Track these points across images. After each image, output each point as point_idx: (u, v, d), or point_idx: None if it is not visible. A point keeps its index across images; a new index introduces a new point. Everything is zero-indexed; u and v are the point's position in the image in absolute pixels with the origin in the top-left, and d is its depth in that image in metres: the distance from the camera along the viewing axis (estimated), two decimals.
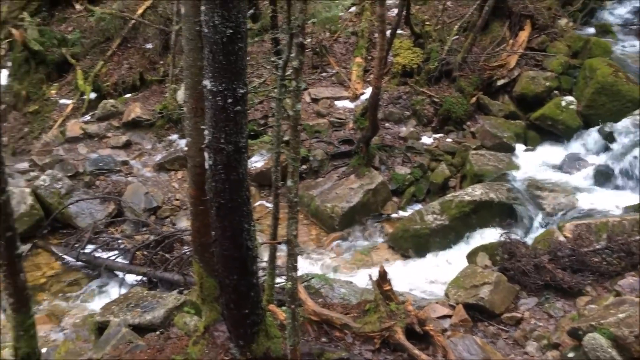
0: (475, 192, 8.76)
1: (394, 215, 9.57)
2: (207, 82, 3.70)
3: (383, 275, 5.30)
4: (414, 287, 7.71)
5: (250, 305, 4.32)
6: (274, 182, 5.30)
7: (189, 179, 5.41)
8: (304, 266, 8.08)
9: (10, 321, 5.09)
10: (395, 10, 11.16)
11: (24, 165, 10.19)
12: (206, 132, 3.89)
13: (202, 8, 3.51)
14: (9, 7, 12.70)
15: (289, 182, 4.26)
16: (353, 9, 13.11)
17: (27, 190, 9.04)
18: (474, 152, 9.89)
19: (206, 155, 3.92)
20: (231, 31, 3.49)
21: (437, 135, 10.68)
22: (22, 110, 11.77)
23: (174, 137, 11.22)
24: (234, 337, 4.48)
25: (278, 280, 6.38)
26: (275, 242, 5.00)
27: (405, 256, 8.61)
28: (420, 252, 8.55)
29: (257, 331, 4.43)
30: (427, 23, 12.19)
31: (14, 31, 11.82)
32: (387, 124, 10.83)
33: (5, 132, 11.11)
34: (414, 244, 8.58)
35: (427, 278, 7.98)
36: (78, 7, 13.07)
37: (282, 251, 7.22)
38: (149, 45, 12.67)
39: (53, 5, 13.03)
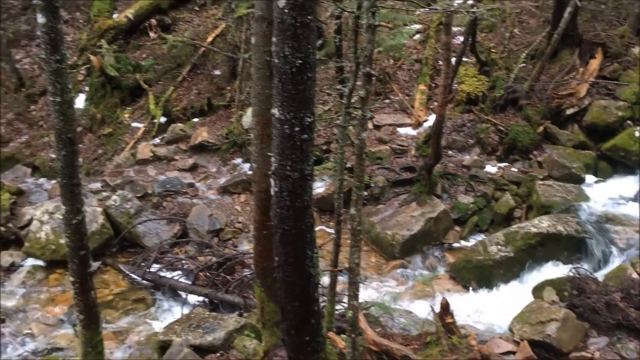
0: (542, 223, 8.49)
1: (456, 244, 9.40)
2: (275, 111, 3.78)
3: (445, 307, 5.19)
4: (476, 320, 7.50)
5: (311, 332, 4.32)
6: (337, 209, 5.33)
7: (254, 204, 5.53)
8: (363, 293, 7.99)
9: (79, 337, 5.30)
10: (461, 38, 11.11)
11: (97, 185, 10.64)
12: (273, 159, 3.96)
13: (274, 39, 3.62)
14: (88, 35, 13.44)
15: (353, 210, 4.28)
16: (417, 36, 13.12)
17: (99, 209, 9.43)
18: (540, 182, 9.63)
19: (272, 182, 3.99)
20: (300, 61, 3.57)
21: (502, 164, 10.46)
22: (97, 133, 12.35)
23: (238, 161, 11.47)
24: None
25: (337, 307, 6.37)
26: (337, 269, 5.00)
27: (467, 287, 8.39)
28: (483, 284, 8.32)
29: (317, 359, 4.41)
30: (493, 50, 12.05)
31: (92, 58, 12.48)
32: (450, 152, 10.70)
33: (81, 154, 11.65)
34: (477, 275, 8.36)
35: (490, 311, 7.75)
36: (152, 35, 13.67)
37: (341, 277, 7.23)
38: (217, 72, 13.09)
39: (129, 34, 13.69)
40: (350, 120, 5.34)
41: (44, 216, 9.22)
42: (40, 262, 9.05)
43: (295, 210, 3.98)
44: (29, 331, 7.93)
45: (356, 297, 4.21)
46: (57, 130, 4.54)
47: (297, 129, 3.76)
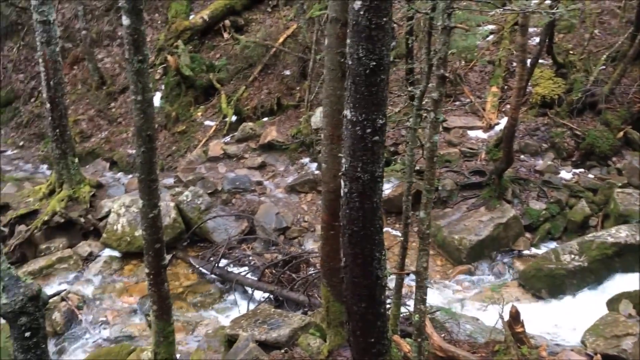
0: (620, 233, 8.11)
1: (526, 252, 9.11)
2: (347, 112, 3.80)
3: (515, 316, 5.05)
4: (546, 331, 7.25)
5: (377, 335, 4.30)
6: (405, 212, 5.29)
7: (322, 204, 5.57)
8: (428, 298, 7.88)
9: (152, 327, 5.52)
10: (537, 39, 10.75)
11: (170, 180, 11.03)
12: (343, 160, 3.98)
13: (348, 41, 3.63)
14: (165, 36, 13.94)
15: (422, 214, 4.24)
16: (491, 37, 12.82)
17: (172, 204, 9.76)
18: (619, 190, 9.18)
19: (342, 182, 4.01)
20: (374, 63, 3.56)
21: (578, 170, 10.06)
22: (171, 130, 12.80)
23: (306, 160, 11.59)
24: None
25: (402, 310, 6.32)
26: (404, 272, 4.97)
27: (537, 296, 8.13)
28: (554, 294, 8.04)
29: None
30: (571, 52, 11.60)
31: (169, 57, 12.94)
32: (522, 156, 10.39)
33: (156, 150, 12.12)
34: (548, 284, 8.08)
35: (561, 322, 7.47)
36: (226, 35, 14.03)
37: (406, 281, 7.16)
38: (287, 72, 13.27)
39: (204, 34, 14.10)
40: (420, 122, 5.29)
41: (120, 209, 9.64)
42: (116, 253, 9.49)
43: (365, 211, 3.98)
44: (104, 319, 8.33)
45: (423, 301, 4.17)
46: (137, 128, 4.74)
47: (368, 130, 3.76)
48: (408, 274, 4.78)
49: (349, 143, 3.87)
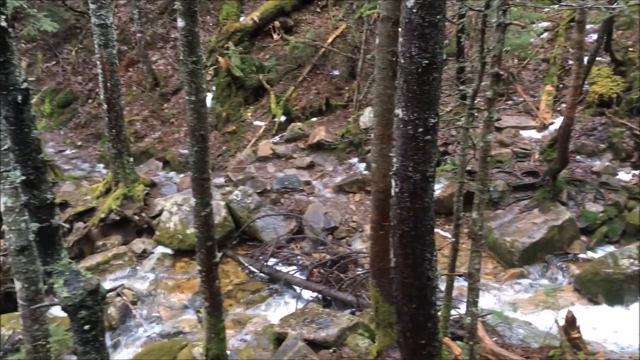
0: None
1: (582, 255, 8.83)
2: (399, 111, 3.76)
3: (571, 321, 4.90)
4: (603, 337, 7.01)
5: (427, 336, 4.25)
6: (456, 212, 5.21)
7: (372, 204, 5.55)
8: (479, 301, 7.78)
9: (204, 323, 5.61)
10: (594, 36, 10.42)
11: (220, 180, 11.21)
12: (394, 159, 3.95)
13: (400, 39, 3.60)
14: (217, 37, 14.17)
15: (474, 214, 4.16)
16: (545, 34, 12.49)
17: (222, 203, 9.92)
18: None
19: (393, 182, 3.97)
20: (427, 62, 3.52)
21: (637, 172, 9.67)
22: (222, 131, 13.00)
23: (354, 160, 11.57)
24: None
25: (452, 313, 6.23)
26: (455, 274, 4.89)
27: (594, 302, 7.87)
28: (611, 299, 7.76)
29: None
30: (630, 49, 11.17)
31: (220, 59, 13.15)
32: (578, 157, 10.08)
33: (209, 150, 12.36)
34: (605, 289, 7.81)
35: (619, 328, 7.21)
36: (275, 36, 14.16)
37: (456, 283, 7.04)
38: (336, 72, 13.29)
39: (254, 35, 14.28)
40: (472, 121, 5.20)
41: (173, 207, 9.86)
42: (168, 250, 9.71)
43: (416, 211, 3.93)
44: (157, 314, 8.53)
45: (475, 303, 4.09)
46: (191, 127, 4.83)
47: (420, 129, 3.72)
48: (460, 276, 4.70)
49: (400, 142, 3.83)
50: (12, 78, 2.92)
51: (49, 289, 3.64)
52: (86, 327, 3.38)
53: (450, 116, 9.95)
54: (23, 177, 3.08)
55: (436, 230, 9.96)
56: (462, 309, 7.38)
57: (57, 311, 8.07)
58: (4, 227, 5.03)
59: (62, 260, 3.40)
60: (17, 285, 5.04)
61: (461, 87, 6.81)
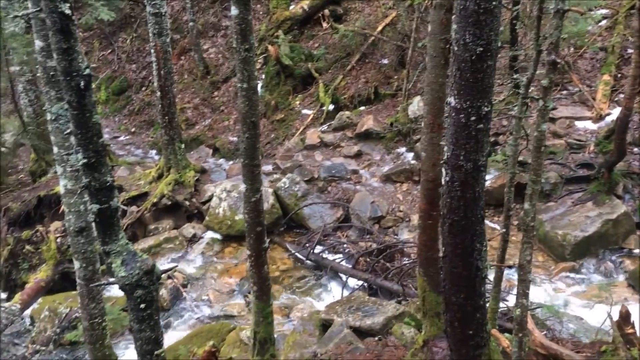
0: None
1: (637, 250, 8.55)
2: (451, 99, 3.72)
3: (626, 316, 4.77)
4: None
5: (475, 327, 4.21)
6: (507, 203, 5.13)
7: (421, 193, 5.51)
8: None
9: (252, 307, 5.72)
10: None
11: (269, 167, 11.34)
12: (445, 148, 3.91)
13: (454, 26, 3.56)
14: (267, 26, 14.28)
15: (527, 205, 4.09)
16: (604, 22, 12.05)
17: (270, 190, 10.04)
18: None
19: (443, 171, 3.94)
20: (481, 49, 3.47)
21: None
22: (270, 118, 13.13)
23: (402, 150, 11.49)
24: (455, 356, 4.41)
25: (500, 305, 6.15)
26: (505, 265, 4.82)
27: None
28: None
29: (479, 354, 4.31)
30: None
31: (270, 47, 13.26)
32: (635, 149, 9.70)
33: (259, 137, 12.53)
34: None
35: None
36: (325, 25, 14.16)
37: (505, 275, 6.94)
38: (385, 61, 13.19)
39: (303, 24, 14.32)
40: (526, 111, 5.09)
41: (222, 194, 10.05)
42: (217, 236, 9.91)
43: (466, 201, 3.90)
44: (206, 297, 8.74)
45: (526, 295, 4.03)
46: (243, 115, 4.91)
47: (473, 118, 3.67)
48: (510, 267, 4.63)
49: (451, 131, 3.79)
50: (75, 64, 3.04)
51: (106, 269, 3.79)
52: (142, 305, 3.50)
53: (502, 106, 9.78)
54: (84, 160, 3.20)
55: (485, 221, 9.86)
56: (510, 301, 7.29)
57: (112, 291, 8.40)
58: (64, 208, 5.25)
59: (120, 241, 3.54)
60: (76, 264, 5.26)
61: (515, 76, 6.67)
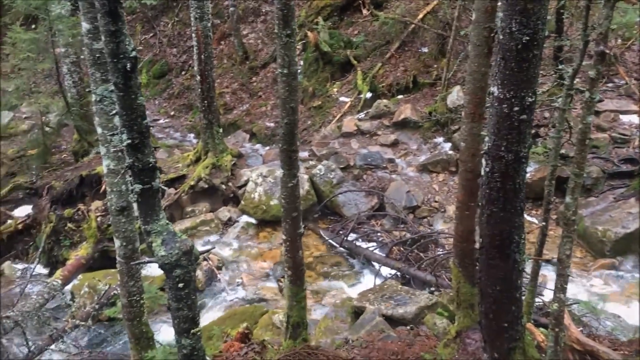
0: None
1: None
2: (494, 89, 3.67)
3: None
4: None
5: (510, 319, 4.18)
6: (547, 197, 5.04)
7: (459, 183, 5.46)
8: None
9: (286, 291, 5.77)
10: None
11: (305, 154, 11.37)
12: (486, 138, 3.87)
13: (499, 14, 3.50)
14: (306, 12, 14.25)
15: (568, 199, 4.02)
16: None
17: (306, 176, 10.08)
18: None
19: (483, 161, 3.90)
20: (527, 38, 3.40)
21: None
22: (307, 105, 13.13)
23: (440, 140, 11.36)
24: (488, 348, 4.38)
25: (536, 299, 6.07)
26: (543, 258, 4.75)
27: None
28: None
29: (514, 347, 4.27)
30: None
31: (309, 33, 13.23)
32: None
33: (298, 122, 12.56)
34: None
35: None
36: (365, 12, 14.05)
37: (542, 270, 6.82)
38: (425, 49, 13.03)
39: (343, 10, 14.23)
40: (570, 103, 4.98)
41: (258, 179, 10.14)
42: (252, 220, 10.01)
43: (506, 192, 3.85)
44: (240, 280, 8.86)
45: (564, 290, 3.97)
46: (282, 100, 4.93)
47: (516, 108, 3.62)
48: (548, 261, 4.56)
49: (493, 121, 3.75)
50: (122, 47, 3.10)
51: (146, 248, 3.87)
52: (180, 285, 3.57)
53: (544, 97, 9.57)
54: (129, 141, 3.27)
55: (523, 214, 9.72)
56: (546, 296, 7.18)
57: (150, 270, 8.58)
58: (106, 188, 5.37)
59: (161, 221, 3.61)
60: (116, 243, 5.39)
61: (560, 67, 6.52)
